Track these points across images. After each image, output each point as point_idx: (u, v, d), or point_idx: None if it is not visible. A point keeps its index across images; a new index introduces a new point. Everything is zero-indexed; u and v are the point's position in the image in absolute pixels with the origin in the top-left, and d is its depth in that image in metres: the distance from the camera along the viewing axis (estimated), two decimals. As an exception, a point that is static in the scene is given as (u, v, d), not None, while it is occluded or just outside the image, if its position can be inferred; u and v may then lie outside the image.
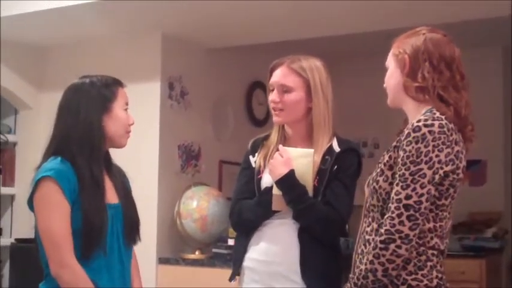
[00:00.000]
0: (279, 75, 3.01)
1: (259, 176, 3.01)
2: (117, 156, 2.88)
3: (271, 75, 3.05)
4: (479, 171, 6.02)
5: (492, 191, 6.06)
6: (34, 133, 5.70)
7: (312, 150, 2.92)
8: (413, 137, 2.29)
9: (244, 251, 2.99)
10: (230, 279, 3.07)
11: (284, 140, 3.07)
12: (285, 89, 2.98)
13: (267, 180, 2.98)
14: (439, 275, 2.34)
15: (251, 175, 3.04)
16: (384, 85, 2.56)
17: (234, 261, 3.08)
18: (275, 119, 3.04)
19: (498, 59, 6.30)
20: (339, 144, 2.96)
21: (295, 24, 5.08)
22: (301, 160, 2.90)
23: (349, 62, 6.69)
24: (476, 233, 5.91)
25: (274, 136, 3.08)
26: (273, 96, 3.01)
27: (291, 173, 2.87)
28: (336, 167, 2.92)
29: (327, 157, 2.93)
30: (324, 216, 2.87)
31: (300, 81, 2.97)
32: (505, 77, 6.35)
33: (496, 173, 6.14)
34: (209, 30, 5.28)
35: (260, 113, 6.26)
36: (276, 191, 2.90)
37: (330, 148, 2.95)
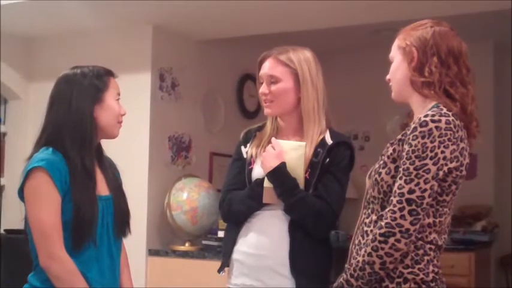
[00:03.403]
0: (267, 67, 3.00)
1: (250, 167, 3.00)
2: (108, 147, 2.87)
3: (260, 68, 3.05)
4: (470, 165, 6.03)
5: (482, 184, 6.07)
6: (23, 123, 5.69)
7: (303, 143, 2.91)
8: (420, 132, 2.28)
9: (234, 242, 2.98)
10: (219, 271, 3.06)
11: (277, 131, 3.06)
12: (273, 80, 2.98)
13: (258, 171, 2.97)
14: (435, 270, 2.34)
15: (242, 166, 3.03)
16: (387, 77, 2.53)
17: (224, 252, 3.06)
18: (266, 110, 3.03)
19: (489, 54, 6.32)
20: (332, 137, 2.95)
21: (284, 17, 5.07)
22: (293, 153, 2.89)
23: (339, 55, 6.69)
24: (466, 227, 5.93)
25: (268, 127, 3.08)
26: (262, 89, 3.01)
27: (282, 166, 2.86)
28: (328, 160, 2.91)
29: (319, 149, 2.92)
30: (315, 210, 2.86)
31: (288, 72, 2.96)
32: (496, 71, 6.37)
33: (486, 167, 6.15)
34: (200, 22, 5.26)
35: (251, 105, 6.26)
36: (267, 183, 2.89)
37: (323, 141, 2.94)
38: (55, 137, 2.66)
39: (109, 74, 2.79)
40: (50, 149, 2.63)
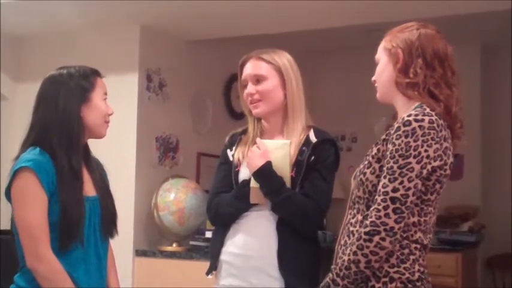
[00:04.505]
0: (250, 68, 3.02)
1: (236, 169, 3.00)
2: (94, 147, 2.87)
3: (241, 71, 3.06)
4: (456, 165, 6.03)
5: (469, 185, 6.10)
6: (11, 124, 5.66)
7: (288, 141, 2.91)
8: (403, 131, 2.29)
9: (221, 244, 2.98)
10: (207, 273, 3.05)
11: (261, 133, 3.07)
12: (259, 79, 2.99)
13: (244, 173, 2.97)
14: (421, 269, 2.35)
15: (229, 169, 3.03)
16: (373, 78, 2.55)
17: (211, 255, 3.06)
18: (255, 111, 3.02)
19: (476, 56, 6.35)
20: (316, 135, 2.96)
21: (275, 17, 5.06)
22: (278, 152, 2.90)
23: (328, 57, 6.70)
24: (453, 227, 5.95)
25: (250, 130, 3.08)
26: (248, 89, 3.01)
27: (268, 165, 2.87)
28: (313, 158, 2.92)
29: (303, 148, 2.93)
30: (302, 208, 2.86)
31: (271, 69, 2.99)
32: (483, 73, 6.40)
33: (473, 168, 6.18)
34: (188, 22, 5.26)
35: (239, 106, 6.18)
36: (253, 183, 2.90)
37: (307, 139, 2.95)
38: (42, 136, 2.66)
39: (96, 74, 2.79)
40: (37, 149, 2.63)
